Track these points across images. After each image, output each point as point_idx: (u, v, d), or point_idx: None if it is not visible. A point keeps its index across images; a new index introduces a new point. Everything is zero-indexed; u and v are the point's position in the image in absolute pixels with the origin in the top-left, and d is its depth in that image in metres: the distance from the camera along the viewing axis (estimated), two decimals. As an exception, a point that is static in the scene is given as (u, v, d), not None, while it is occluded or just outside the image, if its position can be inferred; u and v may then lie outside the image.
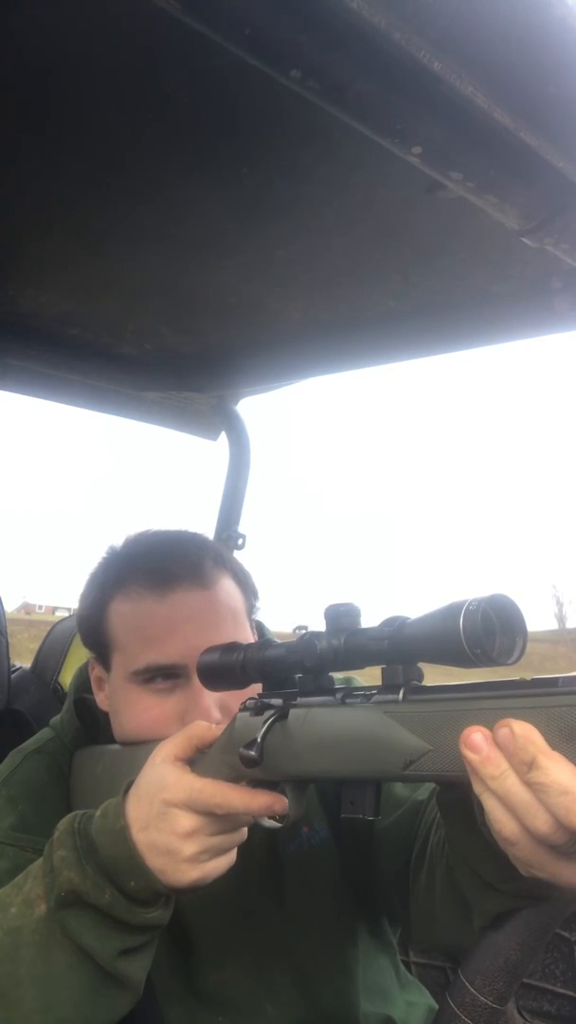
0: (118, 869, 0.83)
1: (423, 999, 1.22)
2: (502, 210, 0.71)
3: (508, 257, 1.15)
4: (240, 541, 1.83)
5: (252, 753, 0.81)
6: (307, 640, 0.81)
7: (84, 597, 1.16)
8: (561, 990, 1.50)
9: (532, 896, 0.84)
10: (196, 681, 0.99)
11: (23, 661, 1.92)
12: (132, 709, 1.06)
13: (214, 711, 1.02)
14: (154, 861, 0.83)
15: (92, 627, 1.13)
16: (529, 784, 0.62)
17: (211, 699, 1.03)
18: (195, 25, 0.53)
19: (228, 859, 0.87)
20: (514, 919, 0.85)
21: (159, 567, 1.09)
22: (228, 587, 1.11)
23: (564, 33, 0.56)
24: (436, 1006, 1.15)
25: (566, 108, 0.61)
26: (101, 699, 1.14)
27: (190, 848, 0.83)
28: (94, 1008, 0.86)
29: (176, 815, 0.83)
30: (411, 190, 0.98)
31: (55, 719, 1.21)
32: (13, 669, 1.82)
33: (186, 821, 0.82)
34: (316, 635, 0.81)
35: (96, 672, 1.15)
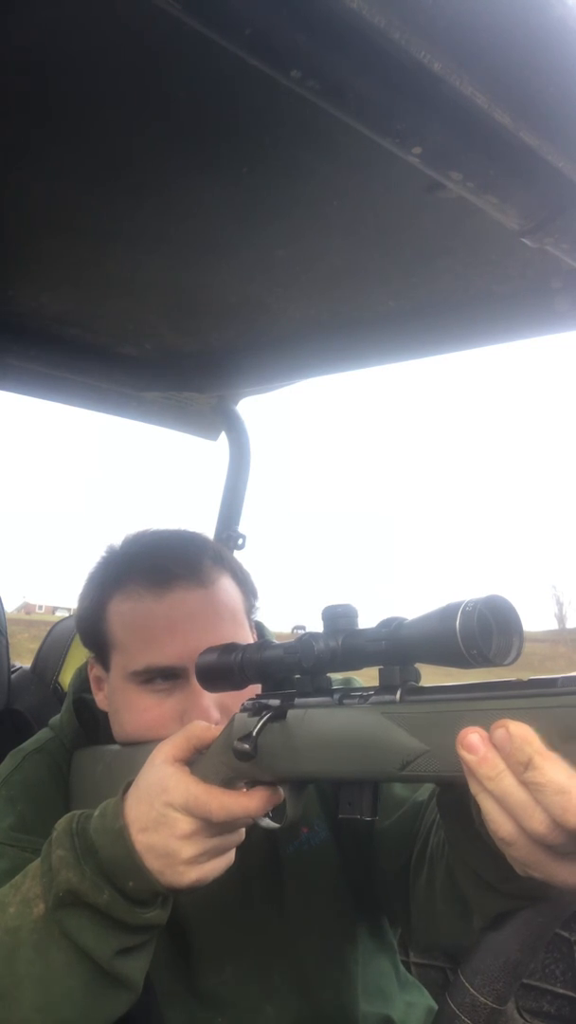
0: (117, 869, 0.83)
1: (423, 999, 1.22)
2: (502, 210, 0.71)
3: (508, 257, 1.15)
4: (240, 541, 1.83)
5: (246, 746, 0.81)
6: (305, 641, 0.81)
7: (83, 597, 1.16)
8: (561, 990, 1.50)
9: (532, 896, 0.84)
10: (195, 681, 0.98)
11: (23, 661, 1.92)
12: (131, 709, 1.06)
13: (213, 711, 1.02)
14: (153, 862, 0.83)
15: (91, 626, 1.13)
16: (526, 784, 0.62)
17: (210, 699, 1.02)
18: (195, 25, 0.53)
19: (226, 860, 0.87)
20: (514, 919, 0.85)
21: (157, 566, 1.09)
22: (227, 586, 1.11)
23: (564, 33, 0.56)
24: (436, 1006, 1.15)
25: (566, 108, 0.61)
26: (100, 699, 1.14)
27: (189, 850, 0.82)
28: (93, 1008, 0.86)
29: (175, 818, 0.82)
30: (411, 190, 0.98)
31: (54, 719, 1.21)
32: (13, 669, 1.82)
33: (185, 824, 0.82)
34: (314, 636, 0.81)
35: (95, 672, 1.15)
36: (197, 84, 0.84)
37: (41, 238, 1.19)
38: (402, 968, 1.24)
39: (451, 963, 1.59)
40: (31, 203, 1.09)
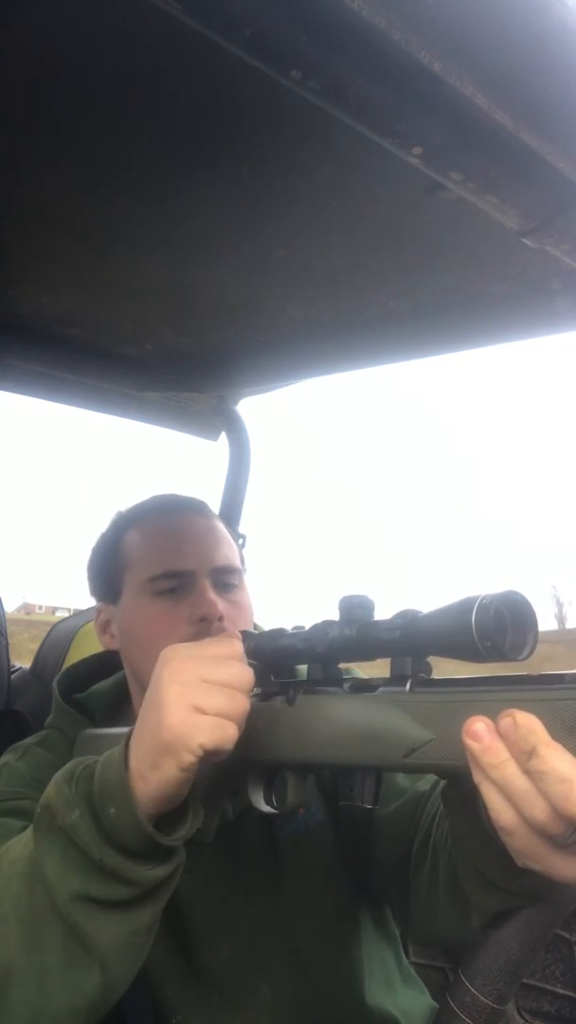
0: (103, 791, 0.77)
1: (423, 997, 1.22)
2: (502, 211, 0.71)
3: (508, 258, 1.15)
4: (240, 541, 1.83)
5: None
6: (320, 628, 0.82)
7: (96, 548, 1.25)
8: (561, 990, 1.50)
9: (532, 896, 0.84)
10: (200, 584, 1.13)
11: (23, 661, 1.92)
12: (146, 619, 1.13)
13: (219, 605, 1.11)
14: (136, 766, 0.76)
15: (104, 563, 1.22)
16: (528, 772, 0.63)
17: (215, 597, 1.12)
18: (195, 26, 0.53)
19: (229, 731, 0.77)
20: (515, 919, 0.85)
21: (167, 501, 1.26)
22: (224, 528, 1.26)
23: (564, 33, 0.56)
24: (435, 1005, 1.15)
25: (566, 108, 0.61)
26: (107, 640, 1.21)
27: (184, 697, 0.75)
28: (69, 966, 0.76)
29: (165, 680, 0.77)
30: (411, 190, 0.98)
31: (48, 719, 1.22)
32: (13, 669, 1.82)
33: (183, 676, 0.77)
34: (329, 623, 0.82)
35: (103, 616, 1.22)
36: (197, 85, 0.84)
37: (41, 238, 1.19)
38: (405, 962, 1.24)
39: (451, 963, 1.59)
40: (31, 203, 1.09)
